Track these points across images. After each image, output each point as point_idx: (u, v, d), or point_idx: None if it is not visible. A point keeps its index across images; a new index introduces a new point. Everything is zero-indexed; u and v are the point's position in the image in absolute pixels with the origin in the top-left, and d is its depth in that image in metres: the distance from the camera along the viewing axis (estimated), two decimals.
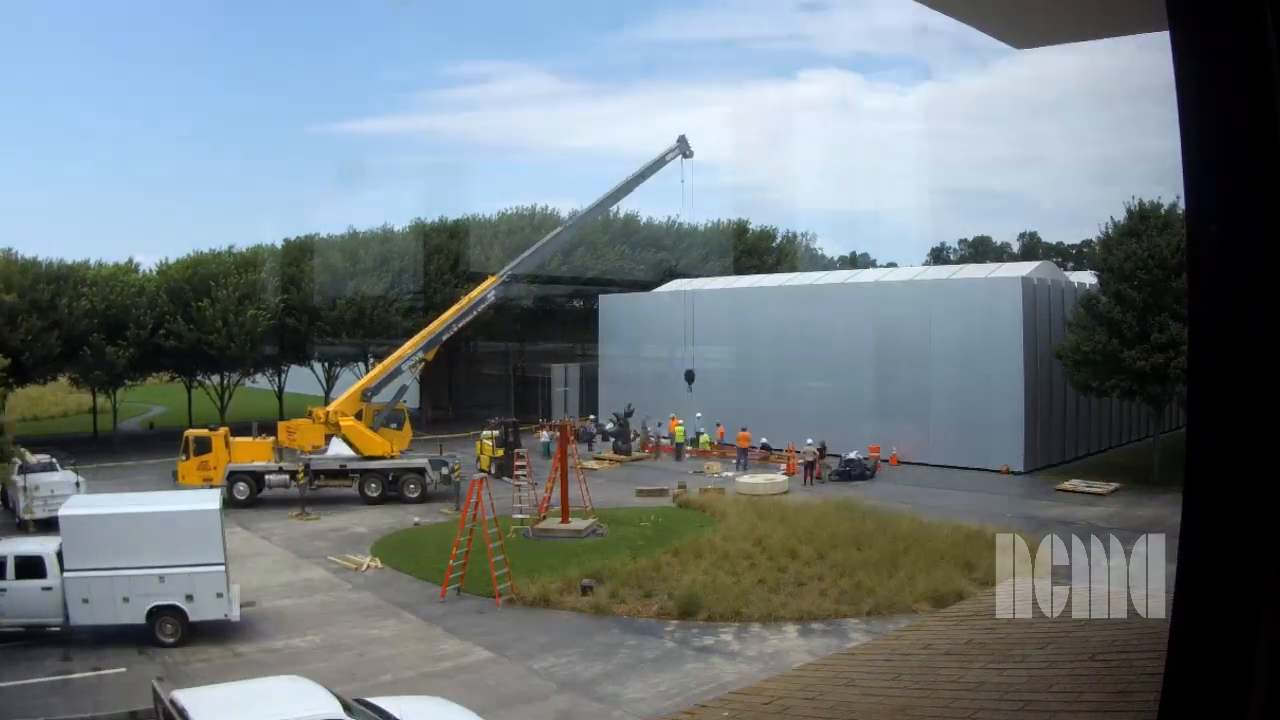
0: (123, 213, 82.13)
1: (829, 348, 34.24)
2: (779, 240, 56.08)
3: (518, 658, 15.11)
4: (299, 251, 44.50)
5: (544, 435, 34.56)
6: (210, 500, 17.53)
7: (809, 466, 29.99)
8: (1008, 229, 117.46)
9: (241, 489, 27.20)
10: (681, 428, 35.35)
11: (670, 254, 49.49)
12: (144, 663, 14.81)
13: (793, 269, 49.17)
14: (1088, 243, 50.82)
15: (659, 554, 19.94)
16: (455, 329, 32.29)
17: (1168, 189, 25.98)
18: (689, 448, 35.11)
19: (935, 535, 20.27)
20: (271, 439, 28.69)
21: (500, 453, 29.77)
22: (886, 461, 31.62)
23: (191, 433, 29.33)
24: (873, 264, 59.79)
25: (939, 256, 72.34)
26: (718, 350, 37.69)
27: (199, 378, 41.98)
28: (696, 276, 45.15)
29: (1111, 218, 28.92)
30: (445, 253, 44.49)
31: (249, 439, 28.77)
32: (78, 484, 23.91)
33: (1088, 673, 3.69)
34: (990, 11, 3.93)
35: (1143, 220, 27.72)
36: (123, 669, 14.57)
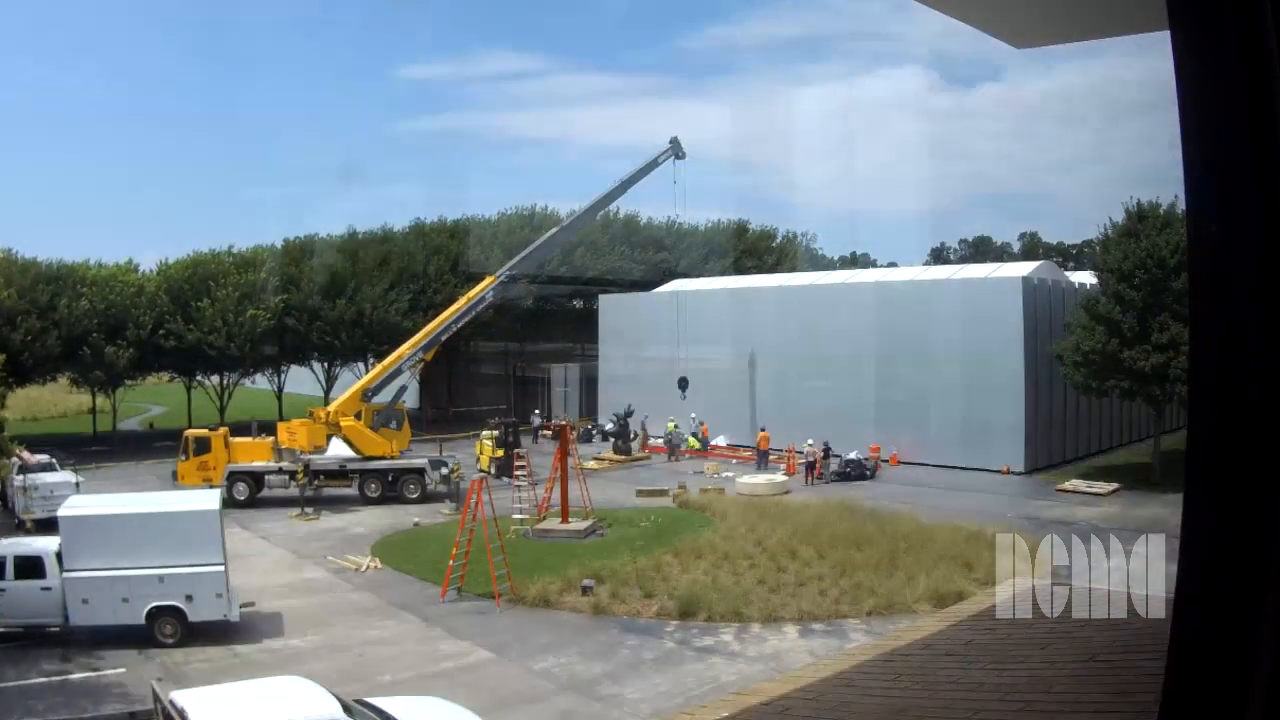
0: (123, 213, 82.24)
1: (829, 348, 34.23)
2: (779, 240, 56.14)
3: (518, 658, 15.11)
4: (299, 252, 44.53)
5: (534, 419, 34.57)
6: (210, 500, 17.54)
7: (810, 467, 29.99)
8: (1008, 229, 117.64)
9: (241, 489, 27.20)
10: (673, 426, 35.36)
11: (670, 254, 49.50)
12: (143, 663, 14.81)
13: (793, 269, 49.20)
14: (1088, 243, 50.84)
15: (659, 554, 19.95)
16: (454, 329, 32.31)
17: (1167, 189, 26.03)
18: (682, 447, 35.08)
19: (935, 535, 20.26)
20: (271, 439, 28.68)
21: (500, 453, 29.77)
22: (886, 462, 31.62)
23: (191, 433, 29.32)
24: (873, 264, 59.91)
25: (939, 256, 72.41)
26: (718, 350, 37.70)
27: (198, 378, 41.98)
28: (697, 276, 45.17)
29: (1111, 218, 28.96)
30: (445, 253, 44.53)
31: (249, 439, 28.77)
32: (77, 484, 23.90)
33: (1088, 673, 3.68)
34: (991, 11, 3.93)
35: (1142, 220, 27.72)
36: (122, 669, 14.57)
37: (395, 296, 42.44)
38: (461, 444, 34.39)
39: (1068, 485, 27.67)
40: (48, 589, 15.55)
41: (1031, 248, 70.97)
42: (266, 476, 27.57)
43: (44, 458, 26.80)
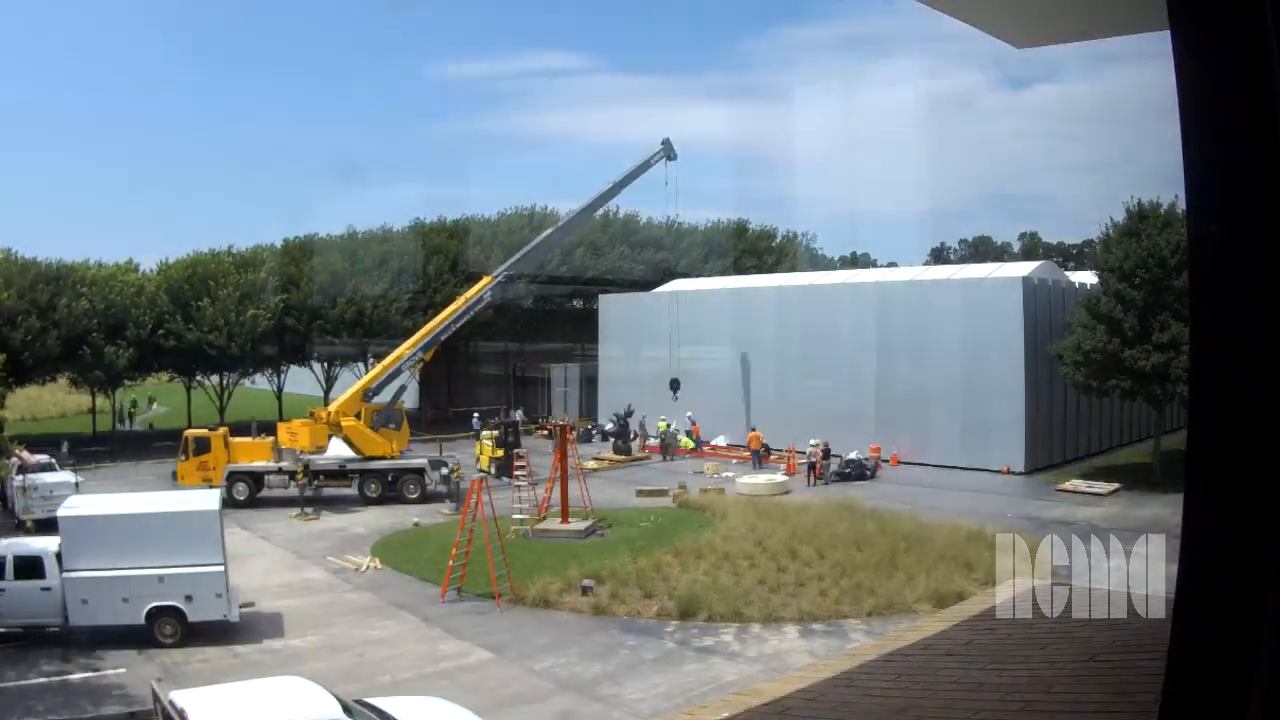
0: (123, 213, 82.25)
1: (829, 348, 34.24)
2: (779, 240, 56.13)
3: (517, 658, 15.10)
4: (299, 251, 44.52)
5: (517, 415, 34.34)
6: (210, 501, 17.54)
7: (812, 467, 29.98)
8: (1008, 229, 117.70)
9: (241, 489, 27.20)
10: (665, 426, 35.34)
11: (670, 254, 49.48)
12: (143, 663, 14.81)
13: (793, 269, 49.19)
14: (1088, 242, 50.86)
15: (659, 554, 19.94)
16: (454, 329, 32.26)
17: (1168, 188, 26.02)
18: (675, 447, 34.94)
19: (936, 535, 20.27)
20: (271, 439, 28.69)
21: (500, 453, 29.76)
22: (886, 462, 31.62)
23: (191, 433, 29.32)
24: (873, 264, 59.91)
25: (939, 256, 72.43)
26: (717, 350, 37.70)
27: (198, 378, 41.97)
28: (696, 276, 45.16)
29: (1111, 217, 28.96)
30: (445, 253, 44.50)
31: (248, 439, 28.77)
32: (76, 484, 23.90)
33: (1088, 673, 3.68)
34: (991, 11, 3.93)
35: (1142, 220, 27.72)
36: (122, 670, 14.56)
37: (395, 296, 42.44)
38: (462, 444, 34.38)
39: (1068, 485, 27.67)
40: (47, 589, 15.54)
41: (1032, 247, 71.01)
42: (266, 476, 27.57)
43: (43, 458, 26.81)
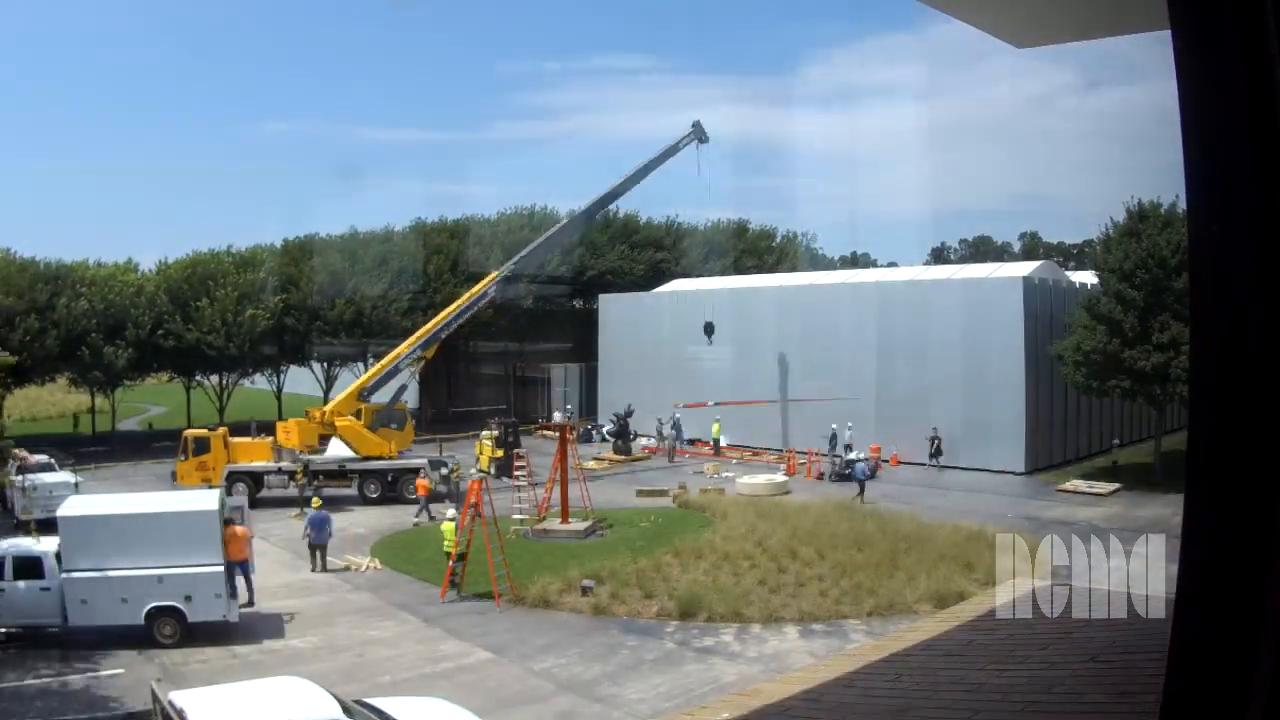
0: (122, 212, 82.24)
1: (829, 348, 34.23)
2: (779, 240, 56.14)
3: (517, 659, 15.09)
4: (298, 251, 44.50)
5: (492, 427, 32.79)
6: (209, 501, 17.52)
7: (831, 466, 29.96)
8: (1008, 229, 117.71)
9: (240, 489, 27.15)
10: (664, 428, 35.12)
11: (670, 254, 49.48)
12: (143, 664, 14.80)
13: (793, 269, 49.19)
14: (1089, 242, 50.87)
15: (659, 554, 19.94)
16: (454, 326, 32.10)
17: (1168, 189, 26.01)
18: (679, 447, 34.87)
19: (936, 536, 20.27)
20: (270, 439, 28.68)
21: (500, 453, 29.74)
22: (887, 462, 31.61)
23: (190, 433, 29.30)
24: (873, 264, 59.94)
25: (939, 256, 72.46)
26: (717, 351, 37.65)
27: (198, 378, 41.96)
28: (696, 276, 45.16)
29: (1111, 217, 28.95)
30: (445, 253, 44.49)
31: (248, 439, 28.75)
32: (76, 484, 23.90)
33: (1089, 674, 3.68)
34: (991, 11, 3.93)
35: (1143, 220, 27.71)
36: (121, 670, 14.55)
37: (395, 296, 42.44)
38: (462, 444, 34.37)
39: (1068, 485, 27.67)
40: (47, 589, 15.53)
41: (1032, 247, 71.08)
42: (266, 477, 27.55)
43: (43, 458, 26.80)
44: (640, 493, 27.31)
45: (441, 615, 17.42)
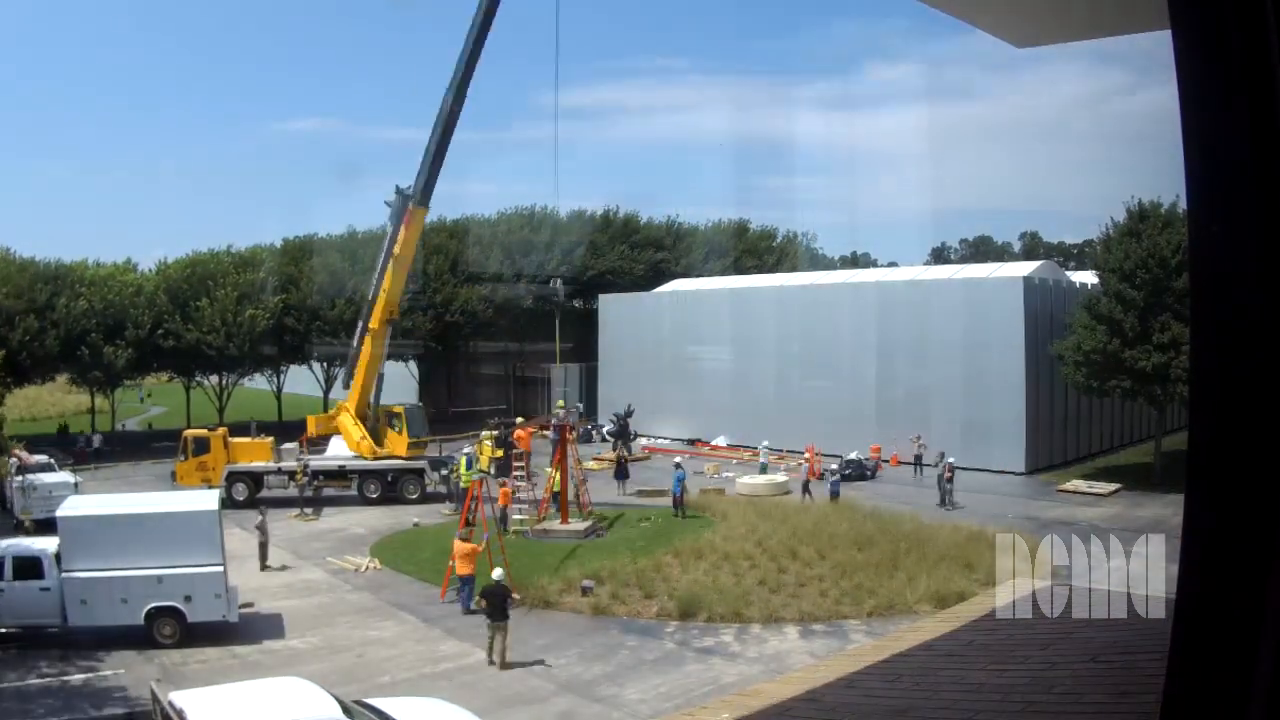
0: (121, 212, 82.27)
1: (830, 348, 34.25)
2: (779, 240, 56.18)
3: (517, 659, 15.08)
4: (298, 251, 44.51)
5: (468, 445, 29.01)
6: (209, 501, 17.51)
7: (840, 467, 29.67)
8: (1009, 229, 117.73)
9: (240, 490, 27.17)
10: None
11: (670, 254, 49.50)
12: (142, 664, 14.79)
13: (793, 269, 49.22)
14: (1089, 242, 50.87)
15: (659, 554, 19.93)
16: (384, 272, 29.02)
17: (1168, 188, 26.02)
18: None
19: (936, 536, 20.26)
20: (270, 439, 28.67)
21: (500, 453, 29.69)
22: (887, 462, 31.61)
23: (190, 433, 29.28)
24: (873, 264, 59.97)
25: (940, 256, 72.47)
26: (718, 350, 37.66)
27: (197, 378, 41.95)
28: (697, 276, 45.18)
29: (1112, 217, 28.96)
30: (445, 252, 44.50)
31: (248, 439, 28.74)
32: (75, 484, 23.90)
33: (1089, 674, 3.68)
34: (991, 11, 3.93)
35: (1143, 220, 27.72)
36: (121, 670, 14.54)
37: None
38: (462, 444, 34.31)
39: (1068, 485, 27.68)
40: (46, 589, 15.52)
41: (1032, 247, 71.10)
42: (266, 477, 27.54)
43: (42, 458, 26.80)
44: (640, 493, 27.29)
45: (441, 615, 17.42)
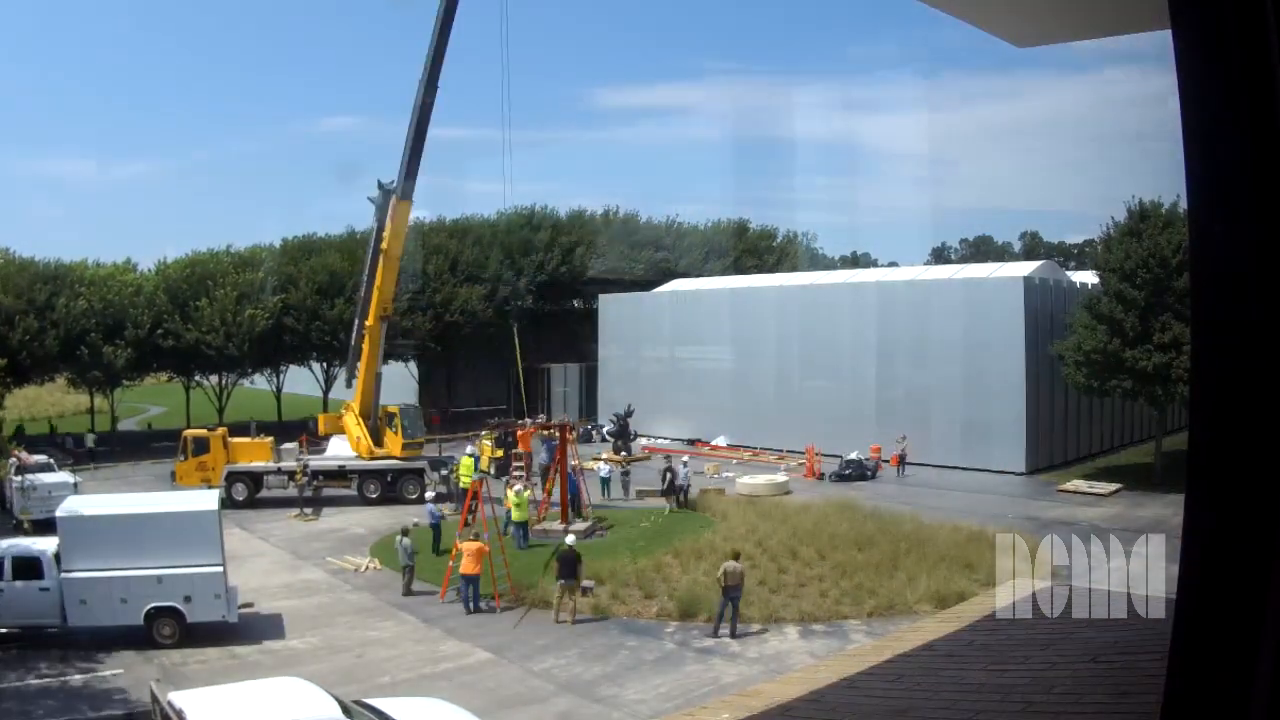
0: (121, 212, 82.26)
1: (830, 348, 34.24)
2: (779, 240, 56.19)
3: (517, 659, 15.09)
4: (297, 251, 44.50)
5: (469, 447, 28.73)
6: (208, 501, 17.52)
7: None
8: (1009, 228, 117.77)
9: (240, 490, 27.17)
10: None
11: (670, 254, 49.51)
12: (142, 664, 14.79)
13: (793, 269, 49.22)
14: (1089, 242, 50.90)
15: (659, 555, 19.94)
16: (376, 269, 28.84)
17: (1169, 188, 26.01)
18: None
19: (936, 536, 20.26)
20: (269, 439, 28.65)
21: (500, 454, 29.69)
22: (887, 462, 31.60)
23: (189, 433, 29.28)
24: (873, 264, 59.98)
25: (940, 256, 72.49)
26: (718, 350, 37.66)
27: (197, 378, 41.94)
28: (697, 276, 45.18)
29: (1112, 217, 28.95)
30: (444, 252, 44.49)
31: (247, 439, 28.73)
32: (75, 484, 23.89)
33: (1089, 674, 3.68)
34: (991, 10, 3.92)
35: (1144, 220, 27.70)
36: (120, 671, 14.54)
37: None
38: (462, 444, 34.33)
39: (1069, 486, 27.67)
40: (46, 589, 15.52)
41: (1033, 247, 71.12)
42: (265, 477, 27.54)
43: (42, 458, 26.80)
44: (640, 493, 27.29)
45: (441, 615, 17.42)
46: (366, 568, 20.73)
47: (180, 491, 24.56)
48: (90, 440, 36.89)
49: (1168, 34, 1.52)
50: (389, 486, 27.99)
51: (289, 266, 42.53)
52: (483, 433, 32.29)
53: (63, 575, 15.44)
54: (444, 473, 27.96)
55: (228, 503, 23.76)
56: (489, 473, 27.48)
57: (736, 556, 16.16)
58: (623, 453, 34.83)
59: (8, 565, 15.63)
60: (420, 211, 37.42)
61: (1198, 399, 1.54)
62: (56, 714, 12.91)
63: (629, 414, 35.81)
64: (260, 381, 44.64)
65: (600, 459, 30.18)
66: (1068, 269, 42.81)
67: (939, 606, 14.58)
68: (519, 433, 26.55)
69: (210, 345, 38.50)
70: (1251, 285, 1.43)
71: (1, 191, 64.35)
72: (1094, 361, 27.52)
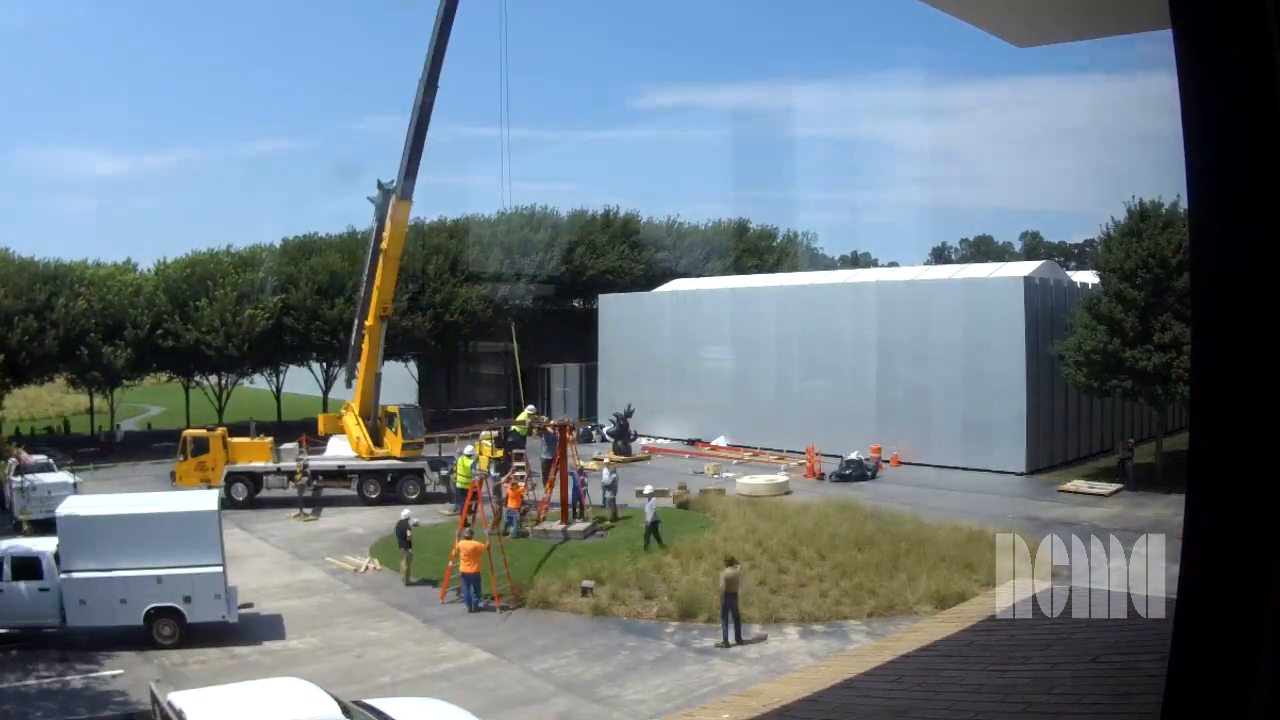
0: (120, 212, 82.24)
1: (830, 348, 34.23)
2: (779, 240, 56.19)
3: (517, 659, 15.09)
4: (297, 251, 44.48)
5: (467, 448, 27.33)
6: (208, 501, 17.51)
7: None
8: (1010, 228, 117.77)
9: (239, 490, 27.15)
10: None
11: (670, 254, 49.50)
12: (142, 665, 14.78)
13: (793, 269, 49.22)
14: (1090, 242, 50.89)
15: (659, 555, 19.93)
16: (377, 269, 28.70)
17: (1169, 188, 25.99)
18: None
19: (937, 536, 20.25)
20: (269, 439, 28.63)
21: (499, 454, 29.67)
22: (887, 462, 31.59)
23: (189, 433, 29.25)
24: (874, 263, 59.98)
25: (940, 256, 72.50)
26: (718, 350, 37.64)
27: (197, 378, 41.93)
28: (697, 276, 45.16)
29: (1113, 217, 28.92)
30: (444, 252, 44.48)
31: (247, 439, 28.71)
32: (75, 484, 23.87)
33: (1089, 674, 3.68)
34: (991, 10, 3.92)
35: (1144, 220, 27.68)
36: (120, 671, 14.54)
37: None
38: (461, 445, 34.29)
39: (1069, 486, 27.65)
40: (45, 590, 15.51)
41: (1033, 247, 71.13)
42: (265, 477, 27.52)
43: (41, 458, 26.79)
44: (640, 493, 27.24)
45: (440, 616, 17.41)
46: (366, 568, 20.73)
47: (180, 492, 24.55)
48: (120, 434, 38.14)
49: (1168, 34, 1.52)
50: (389, 487, 27.98)
51: (289, 266, 42.51)
52: (482, 433, 32.25)
53: (62, 576, 15.42)
54: (444, 473, 27.94)
55: (227, 503, 23.74)
56: (489, 473, 27.46)
57: (732, 563, 16.09)
58: (623, 454, 34.86)
59: (7, 566, 15.62)
60: (420, 211, 37.40)
61: (1198, 399, 1.54)
62: (56, 715, 12.91)
63: (629, 414, 35.80)
64: (260, 382, 44.61)
65: (601, 459, 30.22)
66: (1068, 269, 42.78)
67: (939, 607, 14.58)
68: (545, 424, 26.28)
69: (210, 345, 38.49)
70: (1251, 285, 1.43)
71: (0, 191, 64.33)
72: (1094, 361, 27.50)
